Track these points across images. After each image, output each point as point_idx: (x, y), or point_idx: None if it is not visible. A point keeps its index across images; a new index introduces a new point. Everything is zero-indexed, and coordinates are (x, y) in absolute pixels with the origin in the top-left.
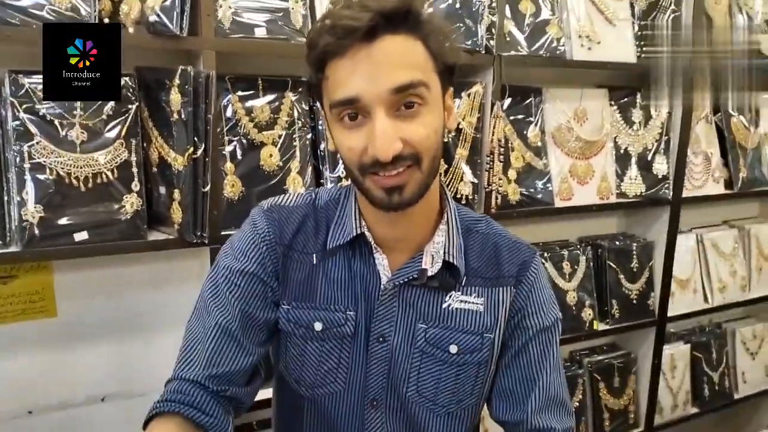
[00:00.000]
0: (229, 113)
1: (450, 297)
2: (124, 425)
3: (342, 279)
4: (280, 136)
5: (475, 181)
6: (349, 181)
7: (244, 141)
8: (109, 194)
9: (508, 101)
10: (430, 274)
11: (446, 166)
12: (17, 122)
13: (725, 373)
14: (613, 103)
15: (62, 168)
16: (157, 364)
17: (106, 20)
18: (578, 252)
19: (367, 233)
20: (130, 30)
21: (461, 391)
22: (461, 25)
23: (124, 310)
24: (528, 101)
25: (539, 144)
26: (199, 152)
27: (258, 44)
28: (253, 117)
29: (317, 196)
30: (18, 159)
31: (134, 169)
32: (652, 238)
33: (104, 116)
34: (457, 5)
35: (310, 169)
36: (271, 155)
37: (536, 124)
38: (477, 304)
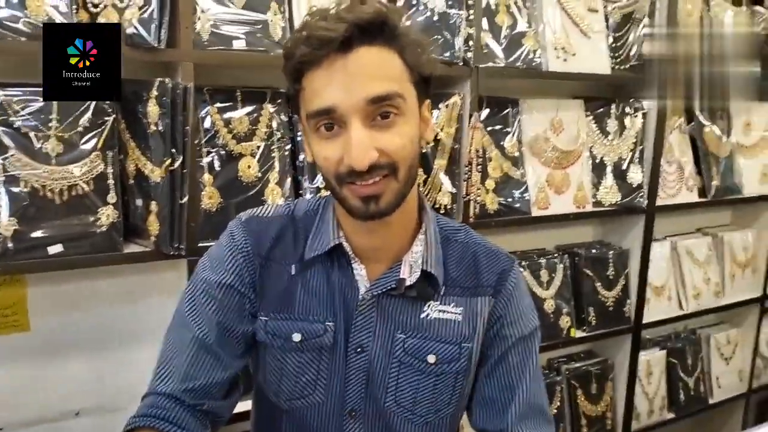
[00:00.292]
0: (207, 125)
1: (428, 307)
2: None
3: (320, 290)
4: (258, 148)
5: (454, 191)
6: (328, 192)
7: (223, 152)
8: (85, 206)
9: (485, 112)
10: (408, 283)
11: (425, 176)
12: None
13: (700, 378)
14: (588, 113)
15: (37, 180)
16: (134, 378)
17: None
18: (555, 260)
19: (345, 244)
20: None
21: (439, 400)
22: (439, 37)
23: (99, 323)
24: (505, 112)
25: (516, 154)
26: (177, 164)
27: (237, 56)
28: (231, 128)
29: (296, 207)
30: None
31: (110, 181)
32: (628, 246)
33: (80, 128)
34: (435, 18)
35: (288, 180)
36: (249, 166)
37: (513, 135)
38: (455, 313)
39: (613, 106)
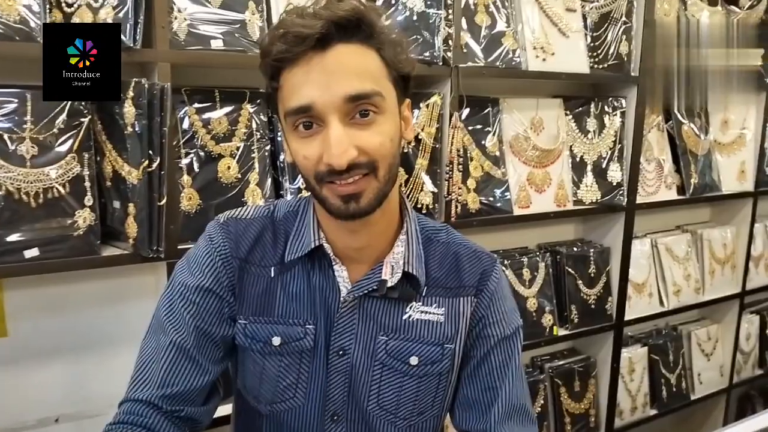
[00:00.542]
0: (185, 125)
1: (410, 308)
2: None
3: (301, 292)
4: (238, 148)
5: (435, 190)
6: (309, 193)
7: (201, 153)
8: (61, 209)
9: (466, 111)
10: (389, 285)
11: (406, 176)
12: None
13: (682, 374)
14: (568, 112)
15: (11, 183)
16: (113, 383)
17: None
18: (537, 259)
19: (325, 245)
20: None
21: (422, 402)
22: (419, 37)
23: (78, 328)
24: (485, 111)
25: (497, 153)
26: (154, 165)
27: (214, 56)
28: (210, 129)
29: (275, 208)
30: None
31: (87, 184)
32: (609, 244)
33: (55, 130)
34: (414, 18)
35: (269, 180)
36: (229, 167)
37: (494, 134)
38: (437, 314)
39: (593, 105)
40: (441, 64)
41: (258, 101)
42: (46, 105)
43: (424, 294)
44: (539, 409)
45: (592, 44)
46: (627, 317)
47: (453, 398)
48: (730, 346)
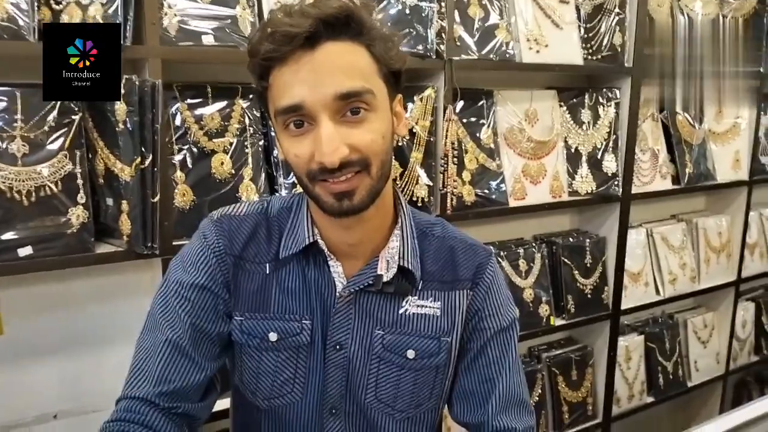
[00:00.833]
0: (178, 121)
1: (406, 302)
2: None
3: (296, 288)
4: (231, 144)
5: (431, 183)
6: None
7: (195, 149)
8: (54, 207)
9: (460, 104)
10: (385, 279)
11: (401, 169)
12: None
13: (678, 362)
14: (562, 103)
15: (3, 182)
16: (110, 379)
17: None
18: (533, 249)
19: (320, 241)
20: None
21: (420, 395)
22: (412, 30)
23: (73, 325)
24: (480, 104)
25: (492, 145)
26: (147, 162)
27: (206, 52)
28: (202, 125)
29: (269, 204)
30: None
31: (79, 181)
32: (604, 234)
33: (46, 128)
34: (407, 11)
35: (263, 175)
36: (222, 163)
37: (488, 126)
38: (433, 308)
39: (587, 96)
40: (434, 57)
41: (250, 96)
42: (37, 103)
43: (420, 288)
44: (537, 398)
45: (585, 36)
46: (623, 306)
47: (451, 390)
48: (726, 333)
